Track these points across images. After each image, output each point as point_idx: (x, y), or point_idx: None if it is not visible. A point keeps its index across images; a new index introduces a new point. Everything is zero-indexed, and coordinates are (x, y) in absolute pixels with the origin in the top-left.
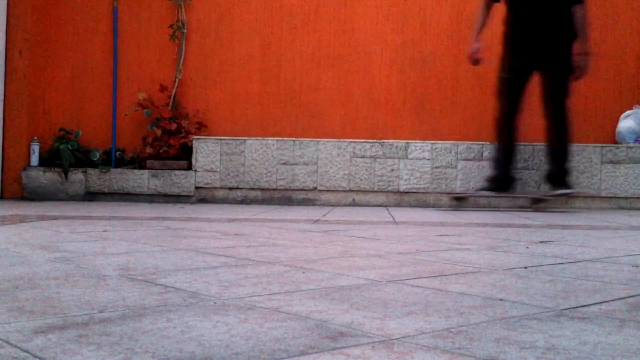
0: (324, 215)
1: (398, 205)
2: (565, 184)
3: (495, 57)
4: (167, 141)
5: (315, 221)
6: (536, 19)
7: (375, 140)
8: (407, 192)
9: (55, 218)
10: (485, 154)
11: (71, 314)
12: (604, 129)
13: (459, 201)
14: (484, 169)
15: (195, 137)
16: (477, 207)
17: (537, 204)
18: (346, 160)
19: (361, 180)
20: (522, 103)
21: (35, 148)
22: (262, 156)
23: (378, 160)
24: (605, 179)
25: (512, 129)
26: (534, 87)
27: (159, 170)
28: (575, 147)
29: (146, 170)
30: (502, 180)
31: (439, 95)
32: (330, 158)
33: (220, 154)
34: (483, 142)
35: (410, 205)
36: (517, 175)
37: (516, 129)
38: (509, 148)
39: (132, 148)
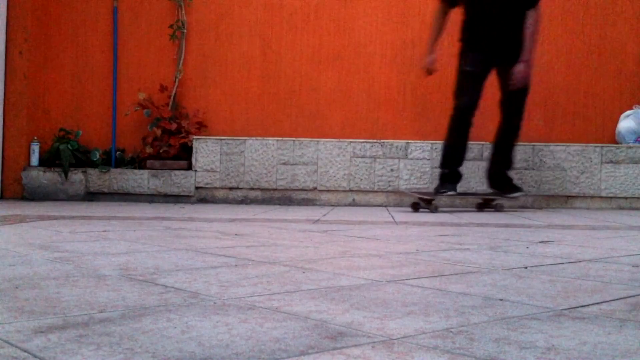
0: (324, 215)
1: (398, 205)
2: (511, 185)
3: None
4: (167, 141)
5: (315, 221)
6: (493, 17)
7: (375, 140)
8: (407, 193)
9: (55, 218)
10: (485, 154)
11: (71, 314)
12: (604, 129)
13: (428, 203)
14: (484, 169)
15: (195, 137)
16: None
17: (490, 203)
18: (346, 160)
19: (361, 180)
20: (479, 100)
21: (35, 148)
22: (262, 156)
23: (378, 160)
24: (605, 179)
25: (468, 126)
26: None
27: (159, 170)
28: (575, 147)
29: (146, 170)
30: (452, 177)
31: (439, 95)
32: (330, 158)
33: (220, 154)
34: (483, 142)
35: (410, 207)
36: (463, 172)
37: (471, 127)
38: (462, 145)
39: (132, 148)
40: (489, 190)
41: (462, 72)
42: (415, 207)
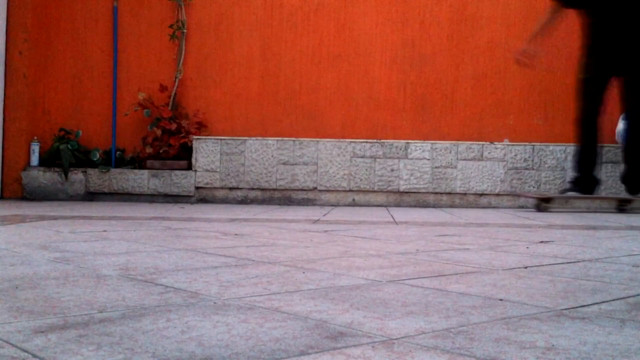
0: (324, 215)
1: (398, 205)
2: None
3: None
4: (167, 141)
5: (315, 221)
6: (615, 24)
7: (375, 140)
8: (407, 192)
9: (55, 218)
10: (485, 153)
11: (71, 314)
12: (604, 129)
13: (547, 203)
14: (484, 169)
15: (195, 137)
16: (484, 207)
17: (623, 205)
18: (346, 160)
19: (361, 180)
20: (603, 104)
21: (35, 148)
22: (262, 156)
23: (378, 160)
24: (605, 179)
25: (593, 130)
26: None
27: (159, 170)
28: (575, 147)
29: (146, 170)
30: (584, 182)
31: (439, 95)
32: (330, 158)
33: (220, 154)
34: (483, 142)
35: (410, 205)
36: (600, 177)
37: (597, 131)
38: (590, 149)
39: (132, 148)
40: (619, 194)
41: (580, 80)
42: (545, 204)
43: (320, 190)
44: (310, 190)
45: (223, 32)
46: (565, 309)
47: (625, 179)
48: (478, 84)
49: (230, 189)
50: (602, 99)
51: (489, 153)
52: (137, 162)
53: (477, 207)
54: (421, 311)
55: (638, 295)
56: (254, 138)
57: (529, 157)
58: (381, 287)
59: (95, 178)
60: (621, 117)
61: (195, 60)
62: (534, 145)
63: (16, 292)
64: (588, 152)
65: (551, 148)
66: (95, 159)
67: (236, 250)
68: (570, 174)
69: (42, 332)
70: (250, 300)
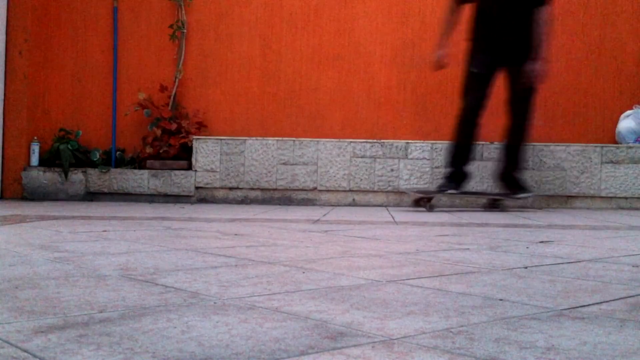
0: (324, 215)
1: (398, 205)
2: (520, 186)
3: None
4: (167, 141)
5: (315, 221)
6: (502, 17)
7: (375, 140)
8: (407, 192)
9: (55, 218)
10: (485, 154)
11: (71, 314)
12: (604, 129)
13: (422, 200)
14: (484, 169)
15: (195, 137)
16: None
17: (496, 203)
18: (346, 160)
19: (361, 180)
20: (486, 100)
21: (35, 148)
22: (262, 156)
23: (378, 160)
24: (605, 179)
25: (474, 126)
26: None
27: (159, 170)
28: (575, 147)
29: (146, 170)
30: (455, 176)
31: (439, 95)
32: (330, 158)
33: (220, 154)
34: (483, 142)
35: (410, 205)
36: (470, 172)
37: (477, 127)
38: (466, 145)
39: (132, 148)
40: (495, 191)
41: (467, 73)
42: (417, 204)
43: (320, 190)
44: (310, 190)
45: (223, 32)
46: (565, 309)
47: (503, 176)
48: None
49: (230, 189)
50: (488, 95)
51: (488, 153)
52: (137, 162)
53: (477, 207)
54: (421, 311)
55: (638, 295)
56: (254, 138)
57: (529, 157)
58: (381, 287)
59: (95, 178)
60: (622, 116)
61: (195, 60)
62: (534, 145)
63: (16, 292)
64: (464, 148)
65: (551, 148)
66: (95, 159)
67: (236, 250)
68: (444, 170)
69: (42, 332)
70: (250, 300)
